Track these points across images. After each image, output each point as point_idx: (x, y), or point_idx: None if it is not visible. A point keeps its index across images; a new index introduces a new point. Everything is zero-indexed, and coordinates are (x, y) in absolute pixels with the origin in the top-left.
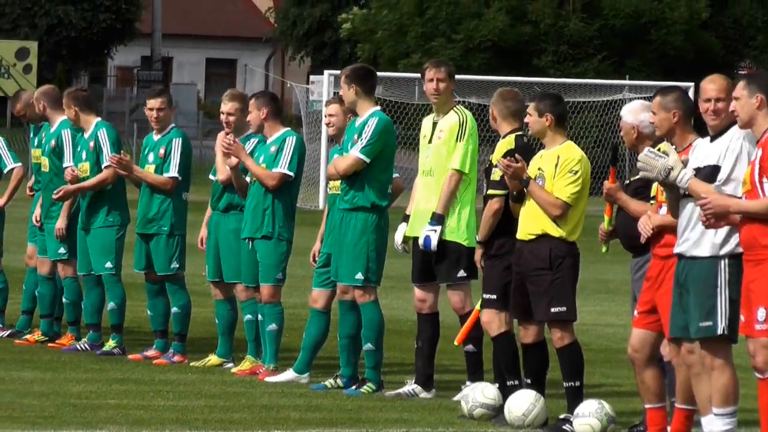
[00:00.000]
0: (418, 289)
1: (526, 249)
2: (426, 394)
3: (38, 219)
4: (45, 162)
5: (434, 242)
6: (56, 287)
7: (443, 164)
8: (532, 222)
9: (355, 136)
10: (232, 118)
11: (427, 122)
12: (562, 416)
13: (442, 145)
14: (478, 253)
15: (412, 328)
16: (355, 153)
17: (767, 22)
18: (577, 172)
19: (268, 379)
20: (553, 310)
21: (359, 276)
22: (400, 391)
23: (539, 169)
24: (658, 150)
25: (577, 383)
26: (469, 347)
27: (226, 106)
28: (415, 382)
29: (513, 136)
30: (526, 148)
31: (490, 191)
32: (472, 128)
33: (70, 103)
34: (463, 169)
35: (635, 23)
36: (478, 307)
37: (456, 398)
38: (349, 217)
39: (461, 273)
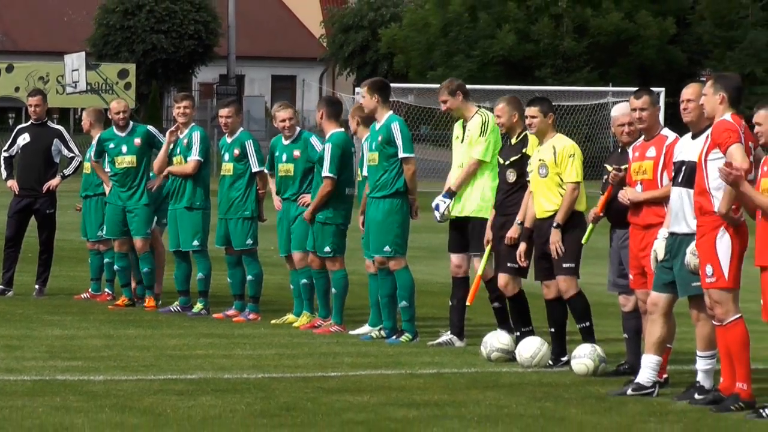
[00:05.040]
0: (456, 258)
1: (546, 224)
2: (460, 342)
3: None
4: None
5: (442, 210)
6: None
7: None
8: (546, 202)
9: (379, 138)
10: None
11: (458, 127)
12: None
13: (468, 141)
14: (490, 233)
15: (442, 289)
16: (404, 154)
17: (722, 38)
18: (573, 155)
19: (352, 332)
20: (564, 265)
21: (387, 249)
22: (439, 341)
23: (540, 159)
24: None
25: (587, 323)
26: (497, 304)
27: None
28: (451, 333)
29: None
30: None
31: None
32: (494, 125)
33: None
34: (484, 158)
35: (616, 40)
36: (480, 272)
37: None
38: (378, 203)
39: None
